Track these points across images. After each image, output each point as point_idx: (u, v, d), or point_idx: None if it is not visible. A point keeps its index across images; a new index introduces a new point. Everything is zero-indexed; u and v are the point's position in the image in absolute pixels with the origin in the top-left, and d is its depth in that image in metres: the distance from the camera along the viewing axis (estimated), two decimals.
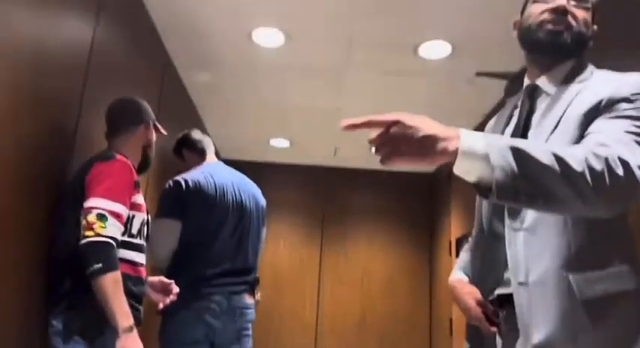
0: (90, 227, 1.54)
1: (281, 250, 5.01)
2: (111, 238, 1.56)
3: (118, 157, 1.73)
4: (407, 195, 5.27)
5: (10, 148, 1.48)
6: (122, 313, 1.53)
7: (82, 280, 1.53)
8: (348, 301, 4.96)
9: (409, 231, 5.19)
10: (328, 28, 2.73)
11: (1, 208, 1.45)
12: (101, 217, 1.56)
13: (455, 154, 0.90)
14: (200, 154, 2.42)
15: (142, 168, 1.94)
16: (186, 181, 2.19)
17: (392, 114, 0.94)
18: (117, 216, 1.60)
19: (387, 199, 5.26)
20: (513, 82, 3.02)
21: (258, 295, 2.38)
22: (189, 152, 2.44)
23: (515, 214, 1.14)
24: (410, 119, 0.92)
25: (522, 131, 1.22)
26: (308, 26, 2.73)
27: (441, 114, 3.78)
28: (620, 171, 0.93)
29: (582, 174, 0.92)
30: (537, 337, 1.05)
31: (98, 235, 1.54)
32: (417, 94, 3.49)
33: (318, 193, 5.19)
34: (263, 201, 2.47)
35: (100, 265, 1.52)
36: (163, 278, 1.96)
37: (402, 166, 0.95)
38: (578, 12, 1.21)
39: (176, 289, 1.93)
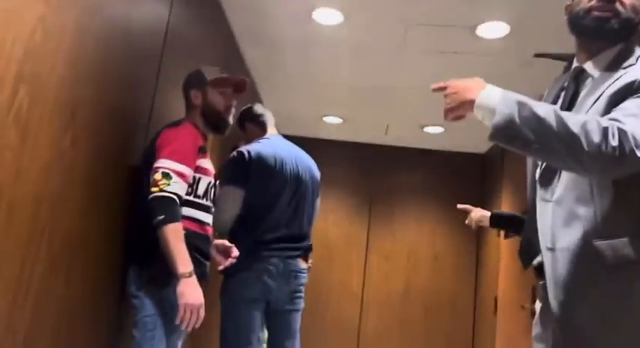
0: (155, 184, 1.69)
1: (330, 224, 5.16)
2: (174, 193, 1.69)
3: (185, 123, 1.88)
4: (457, 175, 5.28)
5: (97, 121, 1.65)
6: (182, 260, 1.64)
7: (153, 234, 1.67)
8: (394, 275, 5.08)
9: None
10: (386, 7, 2.78)
11: (85, 182, 1.64)
12: (166, 176, 1.70)
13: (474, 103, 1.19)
14: (261, 128, 2.56)
15: (215, 129, 2.02)
16: (249, 152, 2.33)
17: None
18: (181, 175, 1.73)
19: (436, 178, 5.29)
20: (572, 64, 2.98)
21: (310, 261, 2.54)
22: (251, 125, 2.57)
23: (545, 187, 1.23)
24: (461, 80, 1.26)
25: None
26: (367, 5, 2.79)
27: None
28: (614, 141, 1.01)
29: (577, 135, 1.03)
30: (562, 297, 1.14)
31: (162, 191, 1.67)
32: (473, 73, 3.45)
33: (368, 171, 5.27)
34: (318, 173, 2.61)
35: (162, 216, 1.65)
36: (226, 241, 2.13)
37: (454, 116, 1.33)
38: None
39: (236, 253, 2.07)
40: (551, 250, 1.18)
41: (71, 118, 1.48)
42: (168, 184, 1.70)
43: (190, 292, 1.65)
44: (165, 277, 1.71)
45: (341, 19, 2.94)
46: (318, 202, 2.64)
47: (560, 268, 1.15)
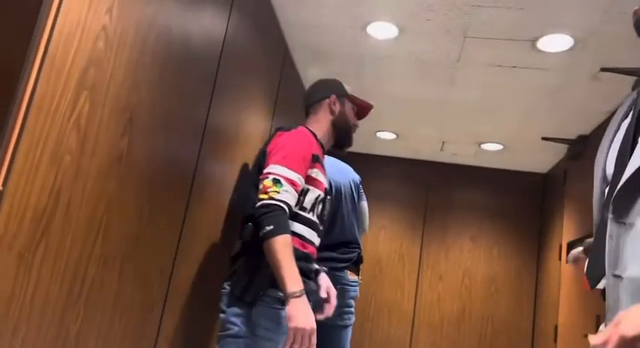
0: (265, 191, 1.57)
1: (381, 241, 5.09)
2: (284, 202, 1.55)
3: (300, 128, 1.74)
4: (516, 195, 5.09)
5: (153, 127, 1.71)
6: (292, 277, 1.47)
7: (254, 245, 1.52)
8: (447, 297, 4.92)
9: (516, 232, 5.02)
10: (442, 20, 2.75)
11: (140, 185, 1.69)
12: (276, 182, 1.57)
13: None
14: None
15: (338, 144, 1.92)
16: None
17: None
18: (292, 183, 1.59)
19: (494, 197, 5.12)
20: None
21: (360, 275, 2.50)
22: None
23: (621, 209, 1.12)
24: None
25: (634, 132, 1.18)
26: (422, 19, 2.76)
27: (560, 110, 3.62)
28: None
29: None
30: None
31: (272, 198, 1.54)
32: (533, 88, 3.37)
33: (423, 188, 5.18)
34: (356, 176, 2.55)
35: (271, 227, 1.50)
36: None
37: None
38: None
39: (330, 311, 1.92)
40: (618, 277, 1.09)
41: (128, 123, 1.54)
42: (279, 192, 1.57)
43: (301, 315, 1.47)
44: (258, 291, 1.55)
45: (395, 32, 2.93)
46: (365, 204, 2.57)
47: (624, 298, 1.06)
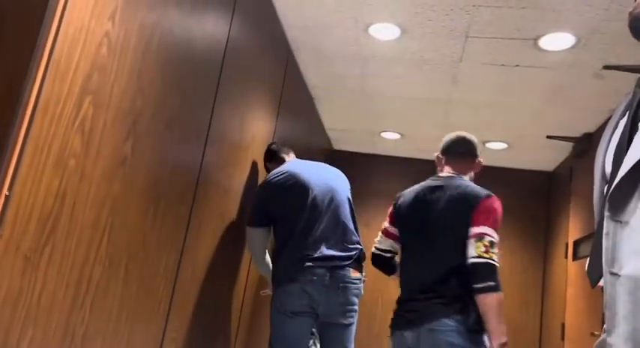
0: (487, 251, 1.85)
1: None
2: (497, 263, 1.87)
3: (493, 195, 2.04)
4: (522, 193, 5.08)
5: (156, 130, 1.74)
6: (501, 330, 1.85)
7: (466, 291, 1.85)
8: None
9: (523, 230, 5.01)
10: (444, 20, 2.76)
11: (145, 188, 1.71)
12: (492, 245, 1.88)
13: None
14: (280, 162, 2.70)
15: None
16: (260, 187, 2.53)
17: None
18: (498, 246, 1.91)
19: (500, 196, 5.07)
20: None
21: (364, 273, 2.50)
22: (272, 164, 2.75)
23: (616, 207, 1.12)
24: None
25: (630, 130, 1.18)
26: (424, 19, 2.77)
27: (564, 108, 3.62)
28: None
29: None
30: (622, 328, 1.04)
31: (492, 260, 1.85)
32: (537, 87, 3.37)
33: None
34: (343, 180, 2.61)
35: (493, 283, 1.82)
36: None
37: None
38: None
39: None
40: (616, 275, 1.09)
41: (132, 127, 1.56)
42: (495, 254, 1.88)
43: None
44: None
45: (398, 33, 2.94)
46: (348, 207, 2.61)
47: (621, 296, 1.06)
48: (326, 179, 2.52)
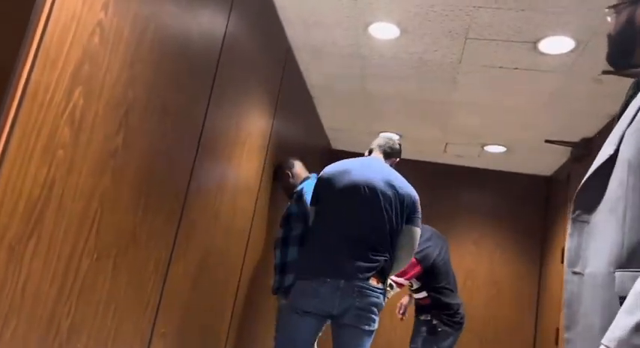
0: None
1: None
2: None
3: None
4: (519, 197, 5.06)
5: (149, 123, 1.72)
6: None
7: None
8: None
9: (519, 235, 4.99)
10: (444, 21, 2.74)
11: (135, 181, 1.70)
12: None
13: None
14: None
15: None
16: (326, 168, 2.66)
17: None
18: None
19: (497, 200, 5.10)
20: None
21: (389, 283, 2.48)
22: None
23: (580, 207, 1.14)
24: None
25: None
26: (424, 19, 2.76)
27: (562, 113, 3.61)
28: None
29: None
30: (581, 324, 1.05)
31: None
32: (536, 90, 3.36)
33: (426, 189, 5.17)
34: (377, 182, 2.50)
35: None
36: None
37: None
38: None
39: None
40: (578, 274, 1.10)
41: (124, 118, 1.54)
42: None
43: None
44: None
45: (397, 33, 2.92)
46: (410, 227, 2.52)
47: (585, 294, 1.07)
48: (381, 183, 2.48)
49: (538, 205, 5.03)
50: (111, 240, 1.56)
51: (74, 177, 1.36)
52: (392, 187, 2.50)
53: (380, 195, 2.45)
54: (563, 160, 4.52)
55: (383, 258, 2.37)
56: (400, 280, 3.18)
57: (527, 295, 4.85)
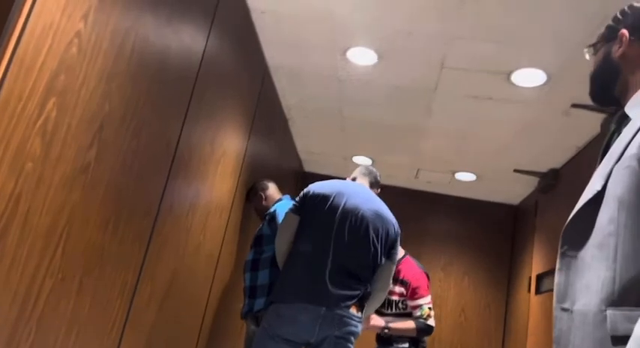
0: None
1: None
2: None
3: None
4: (488, 225, 5.13)
5: (123, 138, 1.67)
6: None
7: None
8: None
9: (487, 263, 5.04)
10: (420, 49, 2.79)
11: (107, 198, 1.63)
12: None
13: None
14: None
15: None
16: (306, 192, 2.53)
17: None
18: None
19: (466, 227, 5.15)
20: (612, 115, 2.90)
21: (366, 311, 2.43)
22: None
23: (568, 241, 1.13)
24: None
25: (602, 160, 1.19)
26: (402, 47, 2.80)
27: (532, 143, 3.69)
28: None
29: None
30: None
31: None
32: (507, 120, 3.43)
33: (396, 214, 5.15)
34: (367, 212, 2.45)
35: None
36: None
37: None
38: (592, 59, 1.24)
39: None
40: (567, 310, 1.09)
41: (98, 132, 1.49)
42: None
43: None
44: None
45: (375, 59, 2.96)
46: (388, 263, 2.48)
47: (575, 332, 1.06)
48: (370, 212, 2.44)
49: (506, 234, 5.10)
50: (78, 259, 1.49)
51: (42, 191, 1.30)
52: (381, 219, 2.47)
53: (370, 226, 2.41)
54: (531, 189, 4.61)
55: (364, 287, 2.35)
56: (378, 323, 3.14)
57: (494, 323, 4.87)
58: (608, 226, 1.05)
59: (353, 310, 2.27)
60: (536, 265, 4.17)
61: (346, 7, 2.53)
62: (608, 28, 1.24)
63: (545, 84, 2.90)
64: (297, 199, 2.50)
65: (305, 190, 2.50)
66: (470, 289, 4.97)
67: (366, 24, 2.64)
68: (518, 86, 2.97)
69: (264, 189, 3.19)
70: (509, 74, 2.87)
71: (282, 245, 2.44)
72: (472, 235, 5.12)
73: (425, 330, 3.09)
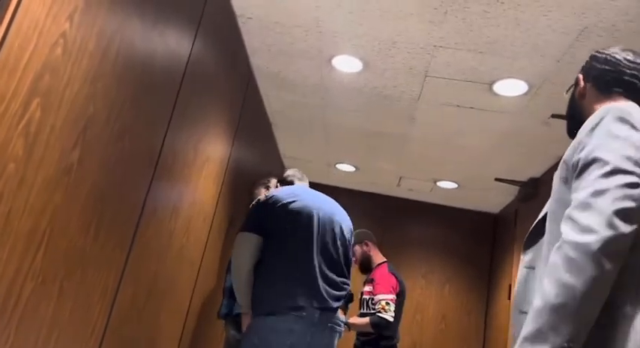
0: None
1: None
2: None
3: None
4: (469, 233, 5.18)
5: (107, 140, 1.66)
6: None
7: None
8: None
9: (467, 270, 5.09)
10: (406, 57, 2.83)
11: (89, 200, 1.62)
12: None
13: None
14: (288, 184, 2.71)
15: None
16: (267, 198, 2.41)
17: None
18: None
19: (447, 235, 5.20)
20: None
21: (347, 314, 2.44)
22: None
23: (526, 253, 1.27)
24: None
25: None
26: (386, 55, 2.83)
27: (513, 153, 3.75)
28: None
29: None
30: None
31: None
32: (489, 129, 3.49)
33: (378, 222, 5.21)
34: (347, 217, 2.52)
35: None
36: None
37: None
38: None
39: None
40: (524, 313, 1.19)
41: (81, 134, 1.48)
42: None
43: None
44: None
45: (360, 67, 2.98)
46: (348, 248, 2.51)
47: None
48: (332, 213, 2.43)
49: (486, 242, 5.15)
50: (59, 262, 1.47)
51: (24, 193, 1.28)
52: (344, 220, 2.51)
53: (339, 226, 2.43)
54: (511, 198, 4.68)
55: (347, 287, 2.36)
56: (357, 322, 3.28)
57: (475, 330, 4.91)
58: (546, 236, 1.18)
59: (341, 315, 2.29)
60: (515, 273, 4.22)
61: (332, 15, 2.56)
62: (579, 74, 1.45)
63: (525, 94, 2.95)
64: (256, 214, 2.34)
65: (265, 202, 2.36)
66: (451, 297, 5.01)
67: (352, 32, 2.67)
68: (499, 96, 3.02)
69: (269, 186, 3.33)
70: (491, 84, 2.92)
71: (246, 265, 2.27)
72: (453, 243, 5.16)
73: (378, 324, 3.17)
